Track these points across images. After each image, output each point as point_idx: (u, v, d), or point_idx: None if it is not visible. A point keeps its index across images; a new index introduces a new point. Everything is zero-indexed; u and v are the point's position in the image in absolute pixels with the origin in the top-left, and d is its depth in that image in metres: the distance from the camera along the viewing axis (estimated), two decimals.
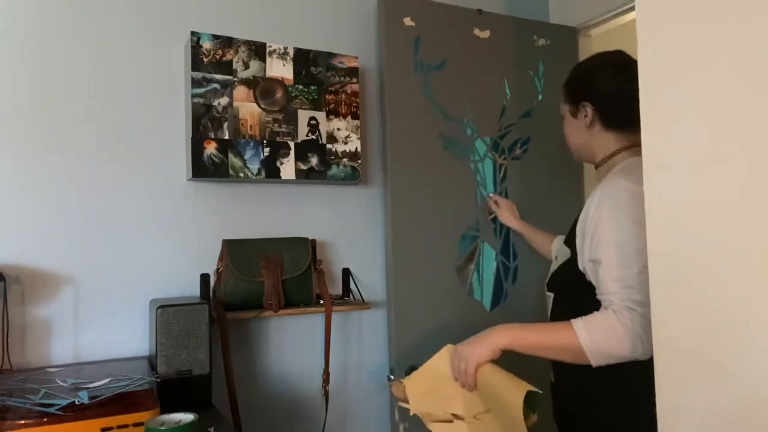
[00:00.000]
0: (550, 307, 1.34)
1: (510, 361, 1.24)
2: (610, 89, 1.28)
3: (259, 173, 1.54)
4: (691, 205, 0.79)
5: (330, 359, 1.66)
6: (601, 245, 1.15)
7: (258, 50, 1.57)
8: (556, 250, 1.39)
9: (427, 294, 1.74)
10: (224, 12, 1.65)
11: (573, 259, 1.24)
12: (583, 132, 1.33)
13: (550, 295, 1.34)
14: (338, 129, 1.66)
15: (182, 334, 1.30)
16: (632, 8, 1.81)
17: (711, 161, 0.76)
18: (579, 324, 1.13)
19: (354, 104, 1.69)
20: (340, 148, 1.66)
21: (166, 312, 1.29)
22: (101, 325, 1.46)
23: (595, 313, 1.14)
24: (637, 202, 1.12)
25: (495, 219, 1.87)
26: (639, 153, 1.20)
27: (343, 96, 1.67)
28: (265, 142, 1.56)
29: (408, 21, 1.77)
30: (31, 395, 1.05)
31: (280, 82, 1.59)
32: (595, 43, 2.14)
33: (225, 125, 1.51)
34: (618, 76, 1.28)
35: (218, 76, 1.51)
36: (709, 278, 0.76)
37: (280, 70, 1.59)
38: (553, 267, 1.36)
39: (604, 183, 1.22)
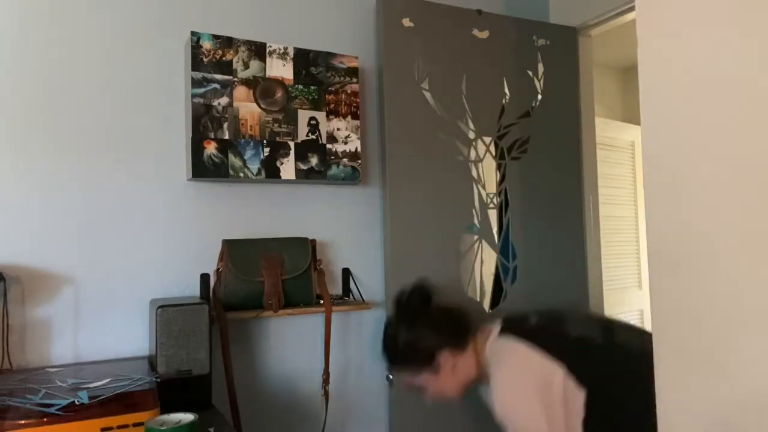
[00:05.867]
0: None
1: None
2: (444, 330, 1.45)
3: (259, 173, 1.54)
4: (691, 205, 0.79)
5: (330, 359, 1.66)
6: None
7: (258, 50, 1.57)
8: None
9: None
10: (224, 12, 1.65)
11: None
12: (452, 375, 1.43)
13: None
14: (338, 129, 1.66)
15: (182, 334, 1.30)
16: (632, 8, 1.81)
17: (711, 161, 0.76)
18: None
19: (354, 104, 1.69)
20: (340, 148, 1.66)
21: (166, 312, 1.29)
22: (101, 325, 1.46)
23: None
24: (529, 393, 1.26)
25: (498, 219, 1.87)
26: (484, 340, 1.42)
27: (343, 96, 1.67)
28: (265, 142, 1.56)
29: (407, 22, 1.77)
30: (31, 395, 1.05)
31: (280, 82, 1.59)
32: (595, 43, 2.14)
33: (225, 125, 1.51)
34: (432, 318, 1.48)
35: (218, 76, 1.51)
36: (709, 278, 0.76)
37: (280, 70, 1.59)
38: None
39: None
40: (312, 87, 1.63)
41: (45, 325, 1.41)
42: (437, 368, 1.41)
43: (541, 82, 1.99)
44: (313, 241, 1.65)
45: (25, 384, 1.15)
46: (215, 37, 1.52)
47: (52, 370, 1.29)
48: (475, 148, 1.86)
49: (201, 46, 1.50)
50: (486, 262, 1.86)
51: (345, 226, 1.78)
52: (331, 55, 1.67)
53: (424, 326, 1.45)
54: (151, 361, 1.35)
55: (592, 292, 2.04)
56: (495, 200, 1.88)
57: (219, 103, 1.51)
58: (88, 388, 1.09)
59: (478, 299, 1.83)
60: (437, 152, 1.79)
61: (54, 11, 1.45)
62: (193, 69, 1.49)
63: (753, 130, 0.72)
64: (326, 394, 1.64)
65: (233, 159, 1.52)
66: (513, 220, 1.90)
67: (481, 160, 1.87)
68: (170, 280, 1.54)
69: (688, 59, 0.80)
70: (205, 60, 1.50)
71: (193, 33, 1.50)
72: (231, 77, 1.53)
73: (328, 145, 1.64)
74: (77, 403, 1.01)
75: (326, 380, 1.64)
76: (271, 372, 1.66)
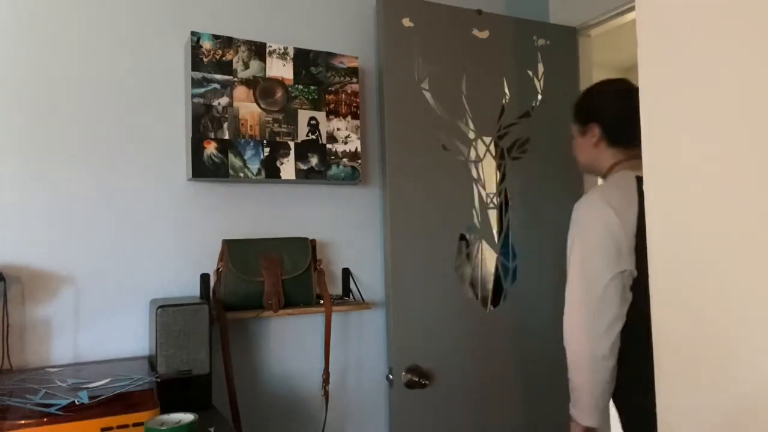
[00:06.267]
0: None
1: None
2: (613, 112, 1.48)
3: (259, 173, 1.54)
4: (691, 206, 0.79)
5: (330, 359, 1.67)
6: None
7: (258, 50, 1.57)
8: None
9: (426, 294, 1.74)
10: (224, 12, 1.65)
11: None
12: (591, 149, 1.52)
13: None
14: (338, 129, 1.66)
15: (182, 334, 1.30)
16: (632, 8, 1.81)
17: (711, 162, 0.76)
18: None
19: (354, 104, 1.69)
20: (340, 148, 1.66)
21: (166, 312, 1.29)
22: (101, 325, 1.46)
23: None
24: (598, 218, 1.35)
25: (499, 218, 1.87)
26: (633, 166, 1.42)
27: (343, 96, 1.67)
28: (265, 142, 1.56)
29: (407, 22, 1.77)
30: (31, 395, 1.05)
31: (280, 82, 1.59)
32: (595, 43, 2.14)
33: (225, 125, 1.51)
34: (621, 100, 1.47)
35: (218, 76, 1.51)
36: (709, 278, 0.76)
37: (280, 70, 1.59)
38: None
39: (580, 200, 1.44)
40: (312, 87, 1.63)
41: (45, 325, 1.41)
42: (584, 132, 1.52)
43: (541, 82, 1.99)
44: (313, 241, 1.65)
45: (25, 384, 1.15)
46: (215, 37, 1.52)
47: (52, 370, 1.29)
48: (475, 148, 1.86)
49: (201, 46, 1.50)
50: (486, 262, 1.86)
51: (345, 226, 1.78)
52: (331, 55, 1.67)
53: (621, 100, 1.47)
54: (151, 361, 1.35)
55: None
56: (495, 200, 1.88)
57: (219, 103, 1.51)
58: (88, 388, 1.09)
59: (478, 299, 1.83)
60: (437, 152, 1.79)
61: (53, 12, 1.45)
62: (193, 69, 1.49)
63: (753, 130, 0.72)
64: (326, 394, 1.64)
65: (233, 159, 1.52)
66: (513, 220, 1.90)
67: (481, 160, 1.87)
68: (170, 280, 1.54)
69: (688, 59, 0.80)
70: (205, 60, 1.50)
71: (193, 33, 1.50)
72: (231, 77, 1.53)
73: (328, 145, 1.64)
74: (77, 403, 1.01)
75: (326, 380, 1.64)
76: (271, 372, 1.66)
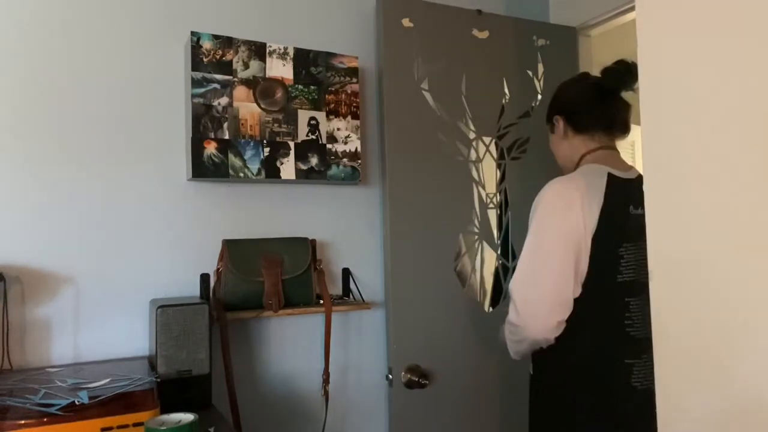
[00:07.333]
0: None
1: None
2: (570, 99, 1.50)
3: (259, 173, 1.54)
4: (691, 206, 0.79)
5: (330, 359, 1.66)
6: None
7: (258, 50, 1.57)
8: None
9: (426, 294, 1.74)
10: (224, 12, 1.65)
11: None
12: (561, 142, 1.51)
13: None
14: (338, 129, 1.66)
15: (182, 334, 1.30)
16: (632, 8, 1.81)
17: (711, 161, 0.76)
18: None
19: (354, 104, 1.69)
20: (340, 148, 1.66)
21: (166, 312, 1.29)
22: (101, 325, 1.46)
23: None
24: (555, 200, 1.38)
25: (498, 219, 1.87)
26: (606, 157, 1.42)
27: (343, 96, 1.67)
28: (265, 142, 1.56)
29: (407, 22, 1.77)
30: (31, 395, 1.05)
31: (280, 82, 1.59)
32: (595, 43, 2.14)
33: (225, 125, 1.51)
34: (577, 87, 1.51)
35: (218, 76, 1.51)
36: (709, 278, 0.76)
37: (280, 70, 1.59)
38: None
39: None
40: (312, 87, 1.63)
41: (45, 325, 1.41)
42: (552, 128, 1.53)
43: (541, 82, 1.99)
44: (313, 241, 1.65)
45: (25, 384, 1.15)
46: (215, 37, 1.52)
47: (52, 370, 1.29)
48: (475, 149, 1.86)
49: (201, 46, 1.50)
50: (486, 262, 1.86)
51: (345, 226, 1.78)
52: (331, 55, 1.67)
53: (577, 88, 1.51)
54: (151, 361, 1.35)
55: None
56: (495, 200, 1.88)
57: (219, 103, 1.51)
58: (88, 388, 1.09)
59: (478, 299, 1.83)
60: (437, 152, 1.79)
61: (53, 12, 1.45)
62: (193, 69, 1.49)
63: (753, 130, 0.72)
64: (326, 394, 1.64)
65: (233, 159, 1.52)
66: (513, 220, 1.90)
67: (481, 161, 1.87)
68: (170, 280, 1.54)
69: (687, 59, 0.80)
70: (205, 60, 1.50)
71: (193, 33, 1.50)
72: (231, 77, 1.53)
73: (328, 145, 1.64)
74: (77, 403, 1.01)
75: (326, 380, 1.64)
76: (271, 372, 1.66)
